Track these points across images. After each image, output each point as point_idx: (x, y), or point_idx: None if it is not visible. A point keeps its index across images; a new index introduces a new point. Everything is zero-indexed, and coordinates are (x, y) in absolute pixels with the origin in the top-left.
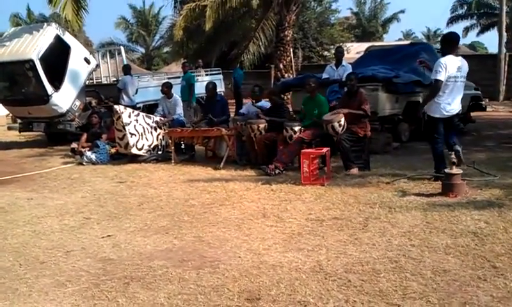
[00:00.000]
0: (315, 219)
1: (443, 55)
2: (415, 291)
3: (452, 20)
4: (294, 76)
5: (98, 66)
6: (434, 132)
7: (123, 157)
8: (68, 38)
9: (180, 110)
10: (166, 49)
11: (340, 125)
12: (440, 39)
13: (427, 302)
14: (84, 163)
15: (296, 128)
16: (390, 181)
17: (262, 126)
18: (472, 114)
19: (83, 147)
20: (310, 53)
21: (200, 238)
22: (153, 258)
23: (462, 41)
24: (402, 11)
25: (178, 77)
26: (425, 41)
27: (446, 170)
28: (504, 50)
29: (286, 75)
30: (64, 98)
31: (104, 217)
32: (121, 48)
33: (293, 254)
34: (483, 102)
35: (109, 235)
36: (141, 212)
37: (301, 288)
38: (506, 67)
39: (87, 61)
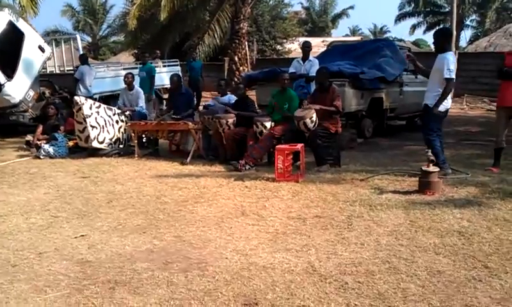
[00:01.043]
0: (297, 218)
1: (443, 51)
2: (414, 293)
3: (399, 17)
4: (249, 69)
5: (52, 54)
6: (436, 128)
7: (82, 150)
8: (21, 24)
9: (142, 102)
10: (113, 38)
11: (311, 121)
12: (435, 34)
13: (429, 304)
14: (41, 156)
15: (267, 124)
16: (364, 178)
17: (230, 121)
18: None
19: (39, 140)
20: (263, 46)
21: (181, 238)
22: (134, 260)
23: (407, 38)
24: (352, 7)
25: (135, 68)
26: (372, 37)
27: (423, 168)
28: (453, 48)
29: (241, 68)
30: (18, 88)
31: (73, 215)
32: (77, 36)
33: (282, 255)
34: None
35: (82, 235)
36: (112, 210)
37: (298, 291)
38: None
39: (41, 49)
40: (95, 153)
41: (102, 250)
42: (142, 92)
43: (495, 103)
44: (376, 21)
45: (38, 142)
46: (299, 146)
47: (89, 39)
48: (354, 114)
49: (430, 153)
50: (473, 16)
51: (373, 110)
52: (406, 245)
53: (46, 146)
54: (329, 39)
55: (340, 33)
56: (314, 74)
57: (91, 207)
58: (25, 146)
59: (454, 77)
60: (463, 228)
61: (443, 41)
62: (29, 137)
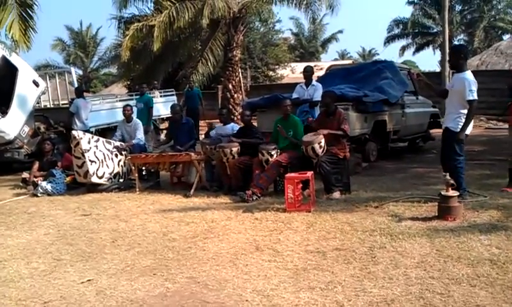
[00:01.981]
0: (316, 251)
1: (459, 69)
2: None
3: (388, 40)
4: (244, 96)
5: (47, 88)
6: (461, 151)
7: (80, 186)
8: (15, 59)
9: (140, 134)
10: (104, 71)
11: (320, 147)
12: (451, 52)
13: None
14: (39, 194)
15: (273, 152)
16: (379, 204)
17: (234, 150)
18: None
19: (36, 177)
20: (256, 73)
21: (194, 279)
22: (148, 306)
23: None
24: (341, 31)
25: (131, 99)
26: (361, 60)
27: (442, 192)
28: (447, 67)
29: (235, 96)
30: (12, 124)
31: (77, 257)
32: (72, 69)
33: (306, 295)
34: (441, 120)
35: (89, 280)
36: (118, 250)
37: None
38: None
39: (35, 83)
40: (94, 188)
41: (112, 296)
42: (140, 123)
43: (493, 121)
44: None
45: (35, 180)
46: (309, 174)
47: (80, 72)
48: (358, 138)
49: (448, 177)
50: (461, 36)
51: (376, 133)
52: (438, 277)
53: (43, 183)
54: (321, 64)
55: (329, 57)
56: (318, 99)
57: (95, 248)
58: (21, 184)
59: (476, 97)
60: (494, 255)
61: (459, 58)
62: (25, 175)
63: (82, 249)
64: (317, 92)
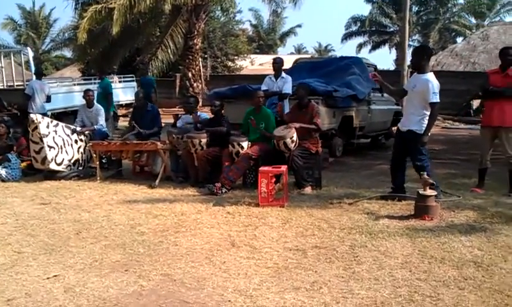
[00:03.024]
0: (295, 249)
1: (422, 70)
2: None
3: (346, 37)
4: (203, 86)
5: (2, 68)
6: (426, 152)
7: (37, 172)
8: None
9: (102, 120)
10: (55, 53)
11: (292, 141)
12: (414, 52)
13: None
14: None
15: (244, 144)
16: (353, 202)
17: (203, 140)
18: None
19: None
20: (215, 63)
21: (170, 276)
22: (123, 306)
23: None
24: (299, 26)
25: (89, 83)
26: (316, 55)
27: (420, 191)
28: (406, 66)
29: (195, 85)
30: None
31: (39, 249)
32: (28, 49)
33: (292, 296)
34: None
35: (55, 275)
36: (83, 242)
37: None
38: None
39: None
40: (52, 175)
41: (82, 294)
42: (102, 109)
43: (449, 121)
44: (324, 40)
45: None
46: (284, 168)
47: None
48: (325, 133)
49: (426, 176)
50: (417, 36)
51: (343, 129)
52: (424, 279)
53: None
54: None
55: (286, 51)
56: (287, 91)
57: (58, 240)
58: None
59: (439, 100)
60: (477, 257)
61: (422, 59)
62: None
63: (44, 241)
64: (286, 84)
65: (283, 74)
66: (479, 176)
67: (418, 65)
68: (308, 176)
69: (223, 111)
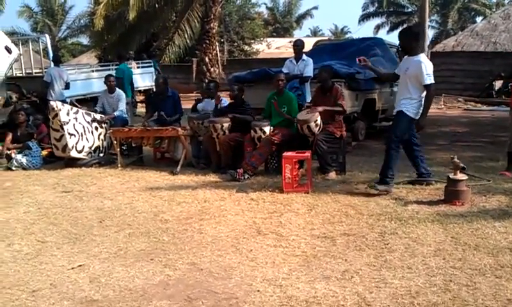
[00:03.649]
0: (323, 236)
1: (413, 53)
2: None
3: (363, 18)
4: (220, 70)
5: (20, 55)
6: (404, 135)
7: (57, 160)
8: None
9: (123, 106)
10: (72, 40)
11: (316, 125)
12: (402, 35)
13: None
14: (14, 168)
15: (266, 129)
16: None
17: (226, 125)
18: None
19: (9, 149)
20: (231, 47)
21: (196, 265)
22: (150, 297)
23: None
24: (315, 8)
25: (108, 69)
26: (333, 38)
27: (450, 176)
28: (426, 47)
29: (212, 69)
30: None
31: (63, 238)
32: (46, 36)
33: (323, 285)
34: None
35: (80, 265)
36: (107, 231)
37: None
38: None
39: (8, 50)
40: (73, 163)
41: (108, 284)
42: (124, 95)
43: (471, 103)
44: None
45: (9, 152)
46: (308, 153)
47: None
48: (348, 117)
49: (457, 160)
50: (435, 16)
51: (365, 112)
52: (459, 267)
53: (19, 156)
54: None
55: (303, 34)
56: (309, 74)
57: (81, 228)
58: None
59: (433, 81)
60: None
61: (411, 41)
62: None
63: (68, 230)
64: (307, 67)
65: (304, 56)
66: (508, 159)
67: (408, 48)
68: (332, 160)
69: (243, 96)
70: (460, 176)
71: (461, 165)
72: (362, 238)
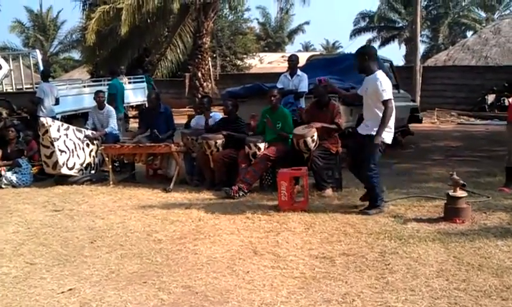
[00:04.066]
0: (322, 257)
1: (371, 72)
2: None
3: (354, 33)
4: (213, 85)
5: (11, 71)
6: (376, 162)
7: (48, 177)
8: None
9: (113, 122)
10: (63, 55)
11: (313, 141)
12: (357, 55)
13: None
14: (3, 185)
15: (260, 145)
16: None
17: (219, 142)
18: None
19: None
20: (224, 62)
21: (191, 288)
22: None
23: None
24: (307, 23)
25: (100, 85)
26: (324, 53)
27: (450, 192)
28: (418, 62)
29: (205, 84)
30: None
31: (52, 260)
32: (37, 51)
33: None
34: (420, 114)
35: (70, 289)
36: (98, 252)
37: None
38: (421, 79)
39: None
40: (64, 180)
41: None
42: (113, 111)
43: (464, 117)
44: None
45: None
46: (304, 169)
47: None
48: (342, 132)
49: (456, 176)
50: (426, 31)
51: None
52: (464, 289)
53: (8, 174)
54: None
55: (294, 49)
56: (304, 89)
57: (72, 249)
58: None
59: (391, 97)
60: None
61: (364, 60)
62: None
63: (58, 251)
64: (302, 82)
65: (299, 72)
66: (507, 174)
67: (362, 68)
68: (328, 177)
69: (237, 112)
70: (460, 193)
71: (461, 181)
72: (362, 259)
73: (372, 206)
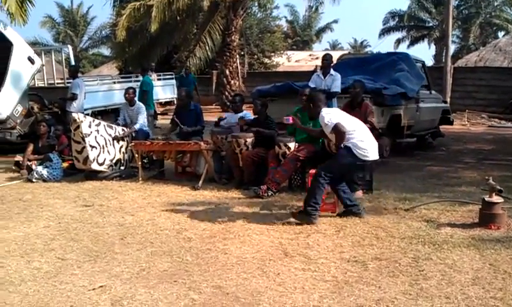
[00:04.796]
0: (354, 260)
1: (318, 115)
2: None
3: (384, 32)
4: (241, 83)
5: (43, 66)
6: (330, 173)
7: (78, 172)
8: (10, 33)
9: (143, 119)
10: (93, 51)
11: None
12: (308, 99)
13: None
14: (34, 180)
15: (291, 145)
16: (409, 207)
17: (249, 140)
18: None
19: (29, 160)
20: (251, 60)
21: (222, 289)
22: None
23: None
24: (336, 21)
25: (129, 81)
26: (352, 51)
27: (486, 198)
28: (449, 62)
29: (232, 82)
30: (5, 103)
31: (83, 256)
32: (69, 47)
33: None
34: (451, 116)
35: (101, 286)
36: (128, 249)
37: None
38: (451, 80)
39: (31, 60)
40: (93, 175)
41: None
42: (143, 107)
43: (495, 119)
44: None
45: (29, 164)
46: None
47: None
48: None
49: (492, 181)
50: (455, 32)
51: (391, 128)
52: (500, 298)
53: (39, 168)
54: (316, 53)
55: (322, 47)
56: (337, 89)
57: (102, 245)
58: (14, 168)
59: (335, 122)
60: None
61: (314, 107)
62: (18, 158)
63: (89, 247)
64: (335, 82)
65: (332, 71)
66: None
67: (310, 115)
68: (359, 179)
69: (266, 111)
70: (496, 198)
71: (498, 187)
72: (395, 264)
73: (303, 211)
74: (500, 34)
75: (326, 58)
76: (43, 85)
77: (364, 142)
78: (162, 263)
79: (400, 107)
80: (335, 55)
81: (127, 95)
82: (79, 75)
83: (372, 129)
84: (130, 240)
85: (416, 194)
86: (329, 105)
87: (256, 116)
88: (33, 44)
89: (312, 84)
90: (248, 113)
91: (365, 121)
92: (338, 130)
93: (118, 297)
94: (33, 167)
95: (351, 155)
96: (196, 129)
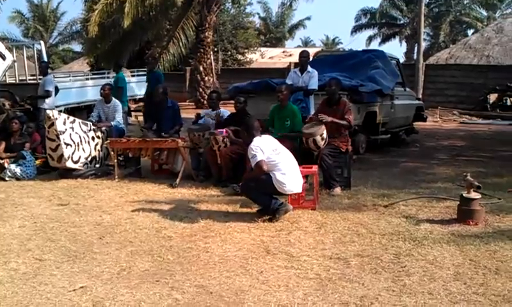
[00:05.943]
0: (336, 257)
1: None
2: None
3: (356, 29)
4: (215, 79)
5: (15, 62)
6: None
7: (51, 170)
8: None
9: (119, 116)
10: (62, 47)
11: (322, 138)
12: (244, 124)
13: None
14: (7, 178)
15: None
16: (388, 204)
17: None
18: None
19: (1, 158)
20: (225, 56)
21: (205, 288)
22: None
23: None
24: (308, 18)
25: (102, 78)
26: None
27: (464, 194)
28: (421, 59)
29: (206, 78)
30: None
31: (62, 256)
32: (41, 43)
33: None
34: (424, 113)
35: (81, 287)
36: (107, 248)
37: None
38: (423, 77)
39: (2, 56)
40: (68, 173)
41: None
42: (120, 105)
43: (466, 116)
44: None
45: (1, 162)
46: (315, 168)
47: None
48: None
49: (470, 177)
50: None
51: (366, 125)
52: (482, 293)
53: (12, 166)
54: (290, 50)
55: (294, 44)
56: (314, 87)
57: (81, 245)
58: None
59: (259, 159)
60: None
61: (249, 134)
62: None
63: (67, 247)
64: (312, 79)
65: (309, 68)
66: None
67: (246, 143)
68: (337, 175)
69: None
70: (474, 194)
71: (476, 183)
72: (377, 260)
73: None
74: (470, 32)
75: (304, 55)
76: (14, 81)
77: (286, 175)
78: (143, 262)
79: (375, 104)
80: (310, 52)
81: (103, 91)
82: (49, 71)
83: (349, 127)
84: (109, 240)
85: (394, 191)
86: (307, 102)
87: (235, 111)
88: (2, 39)
89: (289, 81)
90: (226, 111)
91: (342, 118)
92: (257, 167)
93: (100, 297)
94: (6, 165)
95: (270, 183)
96: (174, 131)
